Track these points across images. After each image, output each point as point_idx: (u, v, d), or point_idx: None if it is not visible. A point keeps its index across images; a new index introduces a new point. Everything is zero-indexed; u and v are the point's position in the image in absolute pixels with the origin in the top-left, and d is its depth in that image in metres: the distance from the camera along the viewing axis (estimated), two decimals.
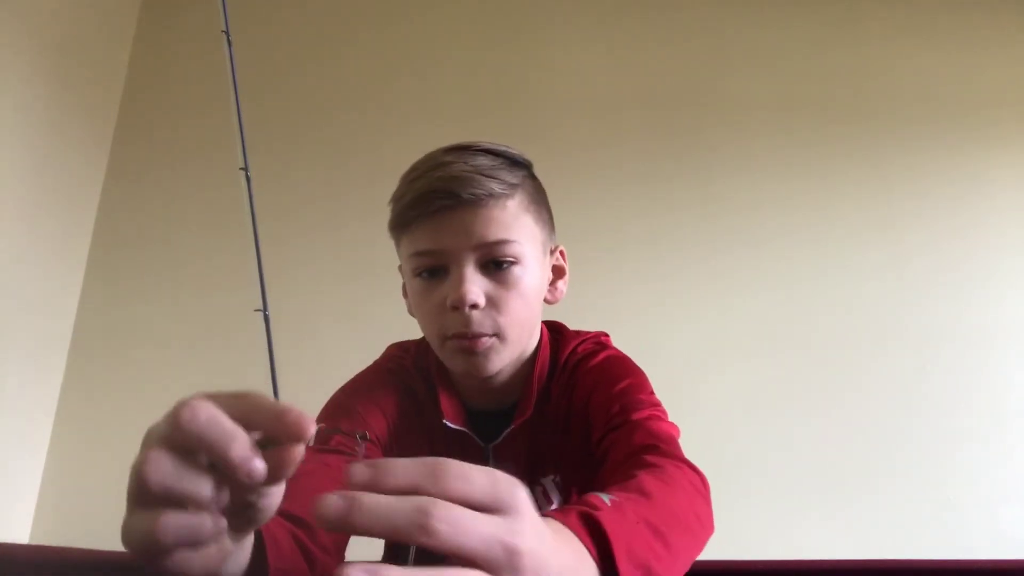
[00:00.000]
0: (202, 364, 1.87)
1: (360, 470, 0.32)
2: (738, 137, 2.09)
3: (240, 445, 0.33)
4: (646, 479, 0.55)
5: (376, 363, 0.86)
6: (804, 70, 2.16)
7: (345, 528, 0.30)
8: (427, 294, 0.72)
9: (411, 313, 0.78)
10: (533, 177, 0.79)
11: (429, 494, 0.31)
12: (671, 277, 1.98)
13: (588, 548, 0.42)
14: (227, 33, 0.42)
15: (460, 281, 0.68)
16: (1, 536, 1.60)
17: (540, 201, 0.77)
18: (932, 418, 1.86)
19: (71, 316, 1.91)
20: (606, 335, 0.87)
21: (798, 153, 2.08)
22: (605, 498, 0.48)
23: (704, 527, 0.56)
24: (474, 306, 0.68)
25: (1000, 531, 1.76)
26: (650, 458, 0.61)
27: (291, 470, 0.36)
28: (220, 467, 0.33)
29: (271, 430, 0.35)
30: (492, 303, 0.70)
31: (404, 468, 0.32)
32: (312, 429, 0.34)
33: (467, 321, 0.69)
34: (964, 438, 1.84)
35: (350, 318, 1.89)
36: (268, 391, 0.36)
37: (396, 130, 2.07)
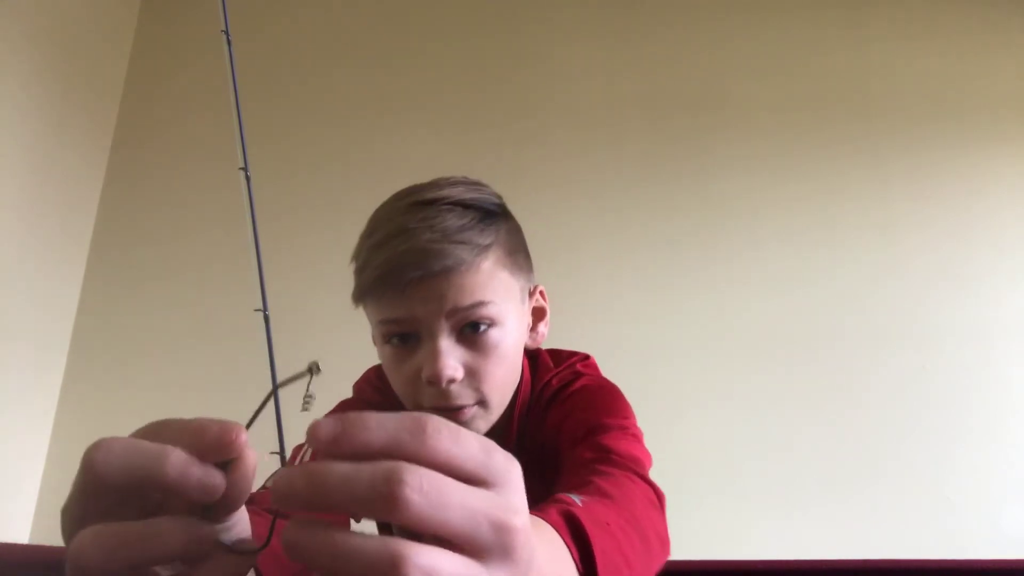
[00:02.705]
0: (202, 364, 1.87)
1: (326, 425, 0.27)
2: (738, 139, 2.09)
3: (176, 457, 0.28)
4: (602, 483, 0.54)
5: (357, 395, 0.82)
6: (804, 71, 2.16)
7: (304, 507, 0.26)
8: (400, 363, 0.67)
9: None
10: (508, 218, 0.72)
11: (409, 456, 0.26)
12: (671, 278, 1.98)
13: (567, 543, 0.42)
14: (227, 33, 0.42)
15: (435, 355, 0.63)
16: (1, 536, 1.60)
17: (516, 249, 0.71)
18: (932, 418, 1.86)
19: (71, 316, 1.91)
20: (585, 360, 0.81)
21: (798, 154, 2.08)
22: (576, 498, 0.48)
23: (663, 544, 0.55)
24: (451, 380, 0.64)
25: (1000, 531, 1.76)
26: (602, 467, 0.59)
27: (247, 488, 0.31)
28: (163, 493, 0.29)
29: (198, 452, 0.29)
30: (471, 373, 0.65)
31: (380, 423, 0.27)
32: (243, 435, 0.30)
33: (446, 396, 0.65)
34: (964, 438, 1.84)
35: (350, 318, 1.88)
36: (268, 391, 0.36)
37: (396, 129, 2.07)
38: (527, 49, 2.19)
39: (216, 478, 0.29)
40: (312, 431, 0.27)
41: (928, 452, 1.83)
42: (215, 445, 0.30)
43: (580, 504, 0.47)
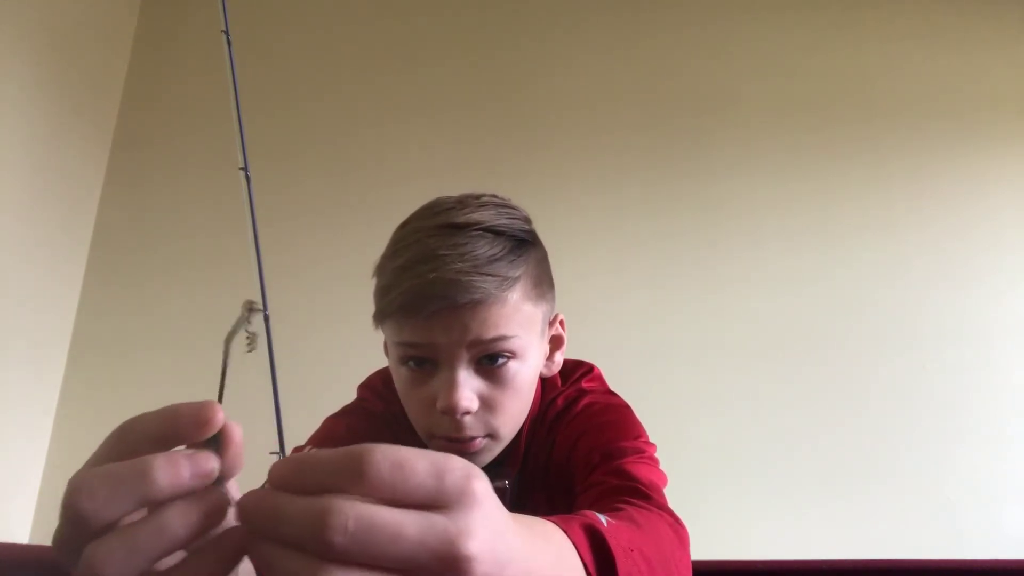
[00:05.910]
0: (202, 364, 1.86)
1: (280, 467, 0.27)
2: (739, 139, 2.09)
3: (160, 468, 0.27)
4: (634, 513, 0.54)
5: (360, 403, 0.81)
6: (804, 71, 2.16)
7: (257, 532, 0.27)
8: (414, 386, 0.67)
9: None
10: (537, 246, 0.71)
11: (352, 492, 0.26)
12: (671, 277, 1.98)
13: (585, 559, 0.41)
14: (227, 33, 0.42)
15: (452, 385, 0.62)
16: (1, 536, 1.60)
17: (542, 280, 0.70)
18: (932, 418, 1.86)
19: (71, 316, 1.91)
20: (590, 373, 0.81)
21: (799, 154, 2.08)
22: (602, 518, 0.47)
23: None
24: (467, 412, 0.63)
25: (1000, 531, 1.76)
26: (633, 499, 0.58)
27: (239, 460, 0.31)
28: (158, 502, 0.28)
29: (174, 437, 0.29)
30: (485, 404, 0.65)
31: (321, 463, 0.27)
32: (219, 411, 0.30)
33: (459, 427, 0.64)
34: (964, 438, 1.84)
35: (351, 319, 1.88)
36: (268, 391, 0.36)
37: (397, 129, 2.07)
38: (529, 51, 2.19)
39: (209, 461, 0.29)
40: (271, 472, 0.27)
41: (928, 452, 1.83)
42: (193, 427, 0.29)
43: (605, 524, 0.46)
